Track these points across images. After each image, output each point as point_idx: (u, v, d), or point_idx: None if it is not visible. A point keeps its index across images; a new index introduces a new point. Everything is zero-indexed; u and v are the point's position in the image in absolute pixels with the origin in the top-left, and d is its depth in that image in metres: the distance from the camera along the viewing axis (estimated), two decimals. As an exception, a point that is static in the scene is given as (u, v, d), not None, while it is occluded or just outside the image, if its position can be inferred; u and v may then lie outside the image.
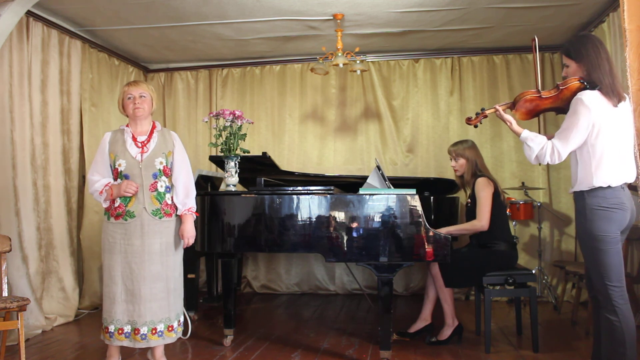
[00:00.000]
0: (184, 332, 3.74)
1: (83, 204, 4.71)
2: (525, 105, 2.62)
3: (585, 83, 2.48)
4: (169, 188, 2.97)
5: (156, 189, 2.90)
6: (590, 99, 2.43)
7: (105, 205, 2.92)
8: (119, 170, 2.88)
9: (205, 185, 4.72)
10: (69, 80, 4.56)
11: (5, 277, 3.30)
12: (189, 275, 4.35)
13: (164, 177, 2.93)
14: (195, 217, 3.04)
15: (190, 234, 2.99)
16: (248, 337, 3.81)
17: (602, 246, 2.42)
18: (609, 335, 2.46)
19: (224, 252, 3.52)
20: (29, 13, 4.06)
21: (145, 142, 2.93)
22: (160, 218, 2.90)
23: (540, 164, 3.11)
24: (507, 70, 5.31)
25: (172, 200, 2.97)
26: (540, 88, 2.65)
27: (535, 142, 2.54)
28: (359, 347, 3.54)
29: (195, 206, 3.02)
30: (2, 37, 3.52)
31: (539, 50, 5.44)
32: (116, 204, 2.88)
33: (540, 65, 5.16)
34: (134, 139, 2.92)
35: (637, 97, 2.62)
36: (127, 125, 2.99)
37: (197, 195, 3.52)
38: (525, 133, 2.58)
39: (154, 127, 3.00)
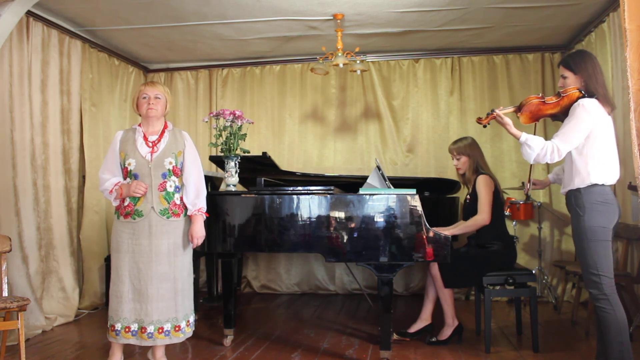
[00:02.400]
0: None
1: (83, 204, 4.71)
2: (530, 109, 2.78)
3: (583, 92, 2.68)
4: (179, 188, 2.97)
5: (165, 189, 2.91)
6: (591, 105, 2.62)
7: (115, 204, 2.94)
8: (129, 169, 2.89)
9: (205, 185, 4.71)
10: (69, 80, 4.56)
11: (5, 277, 3.30)
12: (189, 275, 4.35)
13: (173, 177, 2.94)
14: (205, 217, 3.03)
15: (199, 234, 2.98)
16: (248, 337, 3.81)
17: (598, 237, 2.58)
18: (604, 326, 2.57)
19: (224, 252, 3.52)
20: (29, 13, 4.06)
21: (156, 141, 2.94)
22: (168, 218, 2.90)
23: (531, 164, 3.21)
24: (507, 70, 5.31)
25: (181, 200, 2.97)
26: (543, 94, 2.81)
27: (535, 142, 2.69)
28: (359, 347, 3.54)
29: (205, 207, 3.02)
30: (2, 37, 3.52)
31: (539, 50, 5.46)
32: (125, 203, 2.90)
33: (540, 66, 5.22)
34: (145, 138, 2.93)
35: (637, 97, 2.62)
36: (139, 125, 3.00)
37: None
38: (525, 135, 2.72)
39: (165, 127, 3.00)
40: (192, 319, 3.02)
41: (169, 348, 3.49)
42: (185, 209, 2.98)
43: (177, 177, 2.95)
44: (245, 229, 3.39)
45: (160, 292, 2.87)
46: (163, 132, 2.97)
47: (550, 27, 4.70)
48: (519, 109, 2.81)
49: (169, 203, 2.91)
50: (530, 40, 5.07)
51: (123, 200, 2.91)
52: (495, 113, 2.81)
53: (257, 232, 3.36)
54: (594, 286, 2.59)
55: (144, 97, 2.94)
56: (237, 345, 3.62)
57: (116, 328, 2.87)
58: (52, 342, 3.73)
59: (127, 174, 2.91)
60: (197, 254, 4.37)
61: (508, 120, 2.79)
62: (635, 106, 2.58)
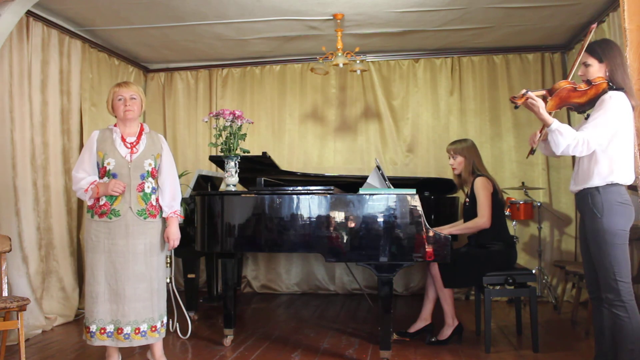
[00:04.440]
0: (184, 332, 3.75)
1: (83, 204, 4.70)
2: (561, 95, 2.55)
3: (611, 84, 2.51)
4: (155, 189, 2.97)
5: (143, 190, 2.90)
6: (621, 99, 2.47)
7: (89, 203, 2.90)
8: (107, 169, 2.87)
9: (205, 185, 4.72)
10: (69, 80, 4.56)
11: (5, 277, 3.30)
12: (189, 275, 4.36)
13: (150, 179, 2.94)
14: (180, 220, 3.05)
15: (175, 236, 2.99)
16: (248, 337, 3.81)
17: (618, 241, 2.45)
18: (618, 333, 2.47)
19: (224, 252, 3.52)
20: (29, 13, 4.05)
21: (135, 143, 2.93)
22: (144, 219, 2.90)
23: (535, 157, 3.03)
24: (507, 70, 5.31)
25: (157, 201, 2.97)
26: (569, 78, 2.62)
27: (567, 131, 2.48)
28: (359, 347, 3.54)
29: (180, 209, 3.04)
30: (2, 37, 3.52)
31: (539, 50, 5.44)
32: (101, 202, 2.86)
33: (540, 66, 5.22)
34: (123, 139, 2.92)
35: (637, 97, 2.63)
36: (114, 125, 2.97)
37: (197, 195, 3.55)
38: (557, 122, 2.49)
39: (142, 129, 2.99)
40: (165, 319, 3.00)
41: (168, 348, 3.49)
42: (161, 210, 2.99)
43: (153, 179, 2.96)
44: (245, 228, 3.39)
45: (138, 292, 2.85)
46: (140, 133, 2.97)
47: (550, 27, 4.69)
48: (550, 92, 2.58)
49: (146, 204, 2.91)
50: (530, 40, 5.06)
51: (98, 199, 2.87)
52: (528, 94, 2.53)
53: (257, 232, 3.36)
54: (610, 291, 2.46)
55: (120, 99, 2.91)
56: (237, 345, 3.62)
57: (91, 330, 2.83)
58: (52, 342, 3.73)
59: (105, 173, 2.88)
60: (197, 254, 4.37)
61: (541, 103, 2.51)
62: (635, 106, 2.58)
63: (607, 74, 2.52)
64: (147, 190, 2.92)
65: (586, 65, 2.57)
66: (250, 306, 4.97)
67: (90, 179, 2.86)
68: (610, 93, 2.48)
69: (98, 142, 2.91)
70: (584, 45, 2.58)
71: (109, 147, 2.89)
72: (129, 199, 2.87)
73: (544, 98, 2.57)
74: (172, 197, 2.99)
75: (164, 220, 3.02)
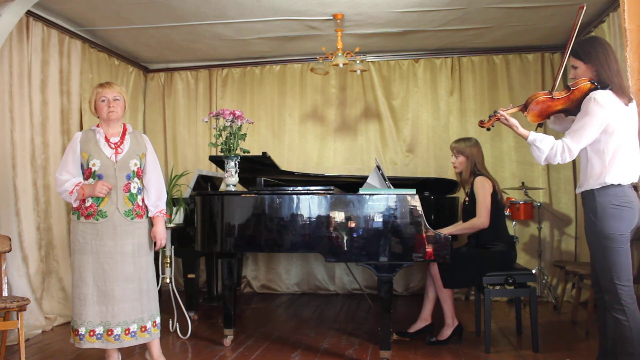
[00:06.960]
0: (184, 332, 3.75)
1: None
2: (537, 107, 2.59)
3: (596, 84, 2.49)
4: (140, 189, 2.96)
5: (129, 190, 2.89)
6: (604, 97, 2.44)
7: (75, 205, 2.87)
8: (93, 170, 2.84)
9: (205, 185, 4.72)
10: (69, 80, 4.56)
11: (5, 277, 3.30)
12: (189, 275, 4.36)
13: (136, 179, 2.92)
14: (166, 219, 3.04)
15: (162, 235, 2.98)
16: (248, 337, 3.81)
17: (613, 245, 2.41)
18: (617, 335, 2.45)
19: (224, 252, 3.52)
20: (29, 13, 4.06)
21: (119, 143, 2.91)
22: (132, 219, 2.89)
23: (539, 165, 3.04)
24: (507, 70, 5.31)
25: (142, 201, 2.96)
26: (554, 86, 2.65)
27: (544, 143, 2.52)
28: (359, 347, 3.54)
29: (166, 208, 3.03)
30: (2, 37, 3.53)
31: (539, 50, 5.45)
32: (87, 204, 2.83)
33: (540, 66, 5.22)
34: (107, 139, 2.89)
35: (637, 97, 2.63)
36: (97, 126, 2.95)
37: (197, 195, 3.55)
38: (533, 135, 2.55)
39: (125, 129, 2.97)
40: (158, 320, 2.97)
41: (168, 348, 3.50)
42: (147, 210, 2.98)
43: (139, 179, 2.95)
44: (245, 228, 3.39)
45: (126, 292, 2.83)
46: (124, 134, 2.95)
47: (550, 27, 4.70)
48: (524, 107, 2.62)
49: (133, 204, 2.89)
50: (530, 40, 5.06)
51: (84, 200, 2.84)
52: (499, 114, 2.62)
53: (257, 232, 3.36)
54: (610, 294, 2.43)
55: (103, 100, 2.88)
56: (237, 345, 3.62)
57: (80, 332, 2.80)
58: (52, 342, 3.73)
59: (90, 174, 2.85)
60: (197, 254, 4.37)
61: (514, 122, 2.60)
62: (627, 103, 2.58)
63: (594, 74, 2.51)
64: (133, 191, 2.91)
65: (574, 67, 2.58)
66: (250, 306, 4.97)
67: (75, 181, 2.83)
68: (592, 94, 2.46)
69: (81, 143, 2.88)
70: (570, 41, 2.59)
71: (93, 147, 2.86)
72: (115, 200, 2.85)
73: (522, 112, 2.63)
74: (157, 197, 2.98)
75: (151, 220, 3.00)
